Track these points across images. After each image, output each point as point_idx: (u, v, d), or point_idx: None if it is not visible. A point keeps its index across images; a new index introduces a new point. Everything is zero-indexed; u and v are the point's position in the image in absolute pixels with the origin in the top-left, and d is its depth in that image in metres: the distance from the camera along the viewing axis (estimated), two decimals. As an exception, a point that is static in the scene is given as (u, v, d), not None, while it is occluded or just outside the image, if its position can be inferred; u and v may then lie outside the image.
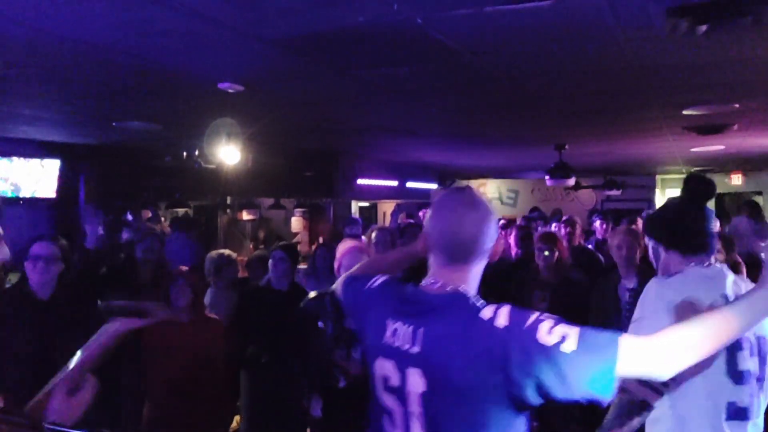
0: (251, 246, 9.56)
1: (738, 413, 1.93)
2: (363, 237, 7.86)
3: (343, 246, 3.29)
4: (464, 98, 4.68)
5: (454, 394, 1.43)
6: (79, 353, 1.82)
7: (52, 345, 2.90)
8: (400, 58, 3.43)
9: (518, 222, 7.27)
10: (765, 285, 1.43)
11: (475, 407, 1.42)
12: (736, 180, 12.85)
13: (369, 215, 12.46)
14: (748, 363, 1.95)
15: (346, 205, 10.33)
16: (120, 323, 1.93)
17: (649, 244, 2.20)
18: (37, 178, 6.34)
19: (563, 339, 1.33)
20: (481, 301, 1.50)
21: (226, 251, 5.00)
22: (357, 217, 10.01)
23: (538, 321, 1.38)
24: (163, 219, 8.69)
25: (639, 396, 1.88)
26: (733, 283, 2.00)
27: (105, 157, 6.83)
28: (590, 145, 7.68)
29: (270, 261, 4.09)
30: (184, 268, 3.70)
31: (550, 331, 1.35)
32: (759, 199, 10.79)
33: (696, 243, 2.05)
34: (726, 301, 1.90)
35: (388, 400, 1.55)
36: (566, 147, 7.46)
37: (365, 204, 12.19)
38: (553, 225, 7.16)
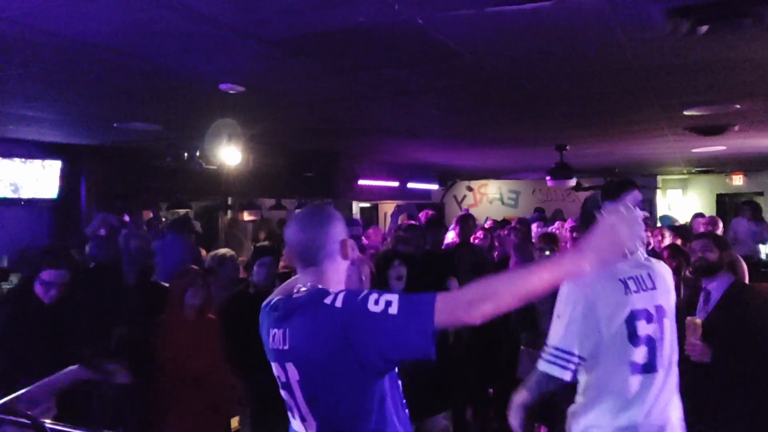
0: (252, 247, 9.56)
1: (642, 368, 2.33)
2: (364, 238, 7.89)
3: None
4: (465, 99, 4.68)
5: (319, 375, 1.66)
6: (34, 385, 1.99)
7: (56, 348, 2.92)
8: (400, 59, 3.43)
9: (513, 224, 7.27)
10: (565, 255, 1.69)
11: (336, 380, 1.64)
12: (737, 180, 12.85)
13: (370, 216, 12.46)
14: (647, 329, 2.34)
15: (347, 205, 10.33)
16: (81, 371, 2.19)
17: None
18: (38, 178, 6.34)
19: (388, 305, 1.56)
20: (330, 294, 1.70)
21: (224, 250, 5.01)
22: (357, 218, 10.02)
23: (367, 296, 1.60)
24: (164, 220, 8.69)
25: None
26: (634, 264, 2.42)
27: (106, 157, 6.83)
28: (591, 146, 7.68)
29: (256, 266, 4.11)
30: (196, 268, 3.73)
31: (377, 302, 1.58)
32: (760, 200, 10.78)
33: None
34: (625, 286, 2.34)
35: (284, 395, 1.79)
36: (567, 147, 7.46)
37: (366, 205, 12.19)
38: (554, 226, 7.19)
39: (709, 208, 12.42)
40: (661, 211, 12.38)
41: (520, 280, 1.53)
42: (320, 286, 1.74)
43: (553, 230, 6.48)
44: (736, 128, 6.13)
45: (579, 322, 2.34)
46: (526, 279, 1.52)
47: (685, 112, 5.25)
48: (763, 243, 8.49)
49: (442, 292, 1.55)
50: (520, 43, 3.13)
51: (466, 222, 6.48)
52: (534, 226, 7.16)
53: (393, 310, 1.55)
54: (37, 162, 6.32)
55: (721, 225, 6.76)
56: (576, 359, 2.34)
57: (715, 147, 7.97)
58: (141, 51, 3.13)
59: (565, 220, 9.16)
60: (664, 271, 2.58)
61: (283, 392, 1.80)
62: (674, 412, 2.44)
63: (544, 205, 12.50)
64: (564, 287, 2.42)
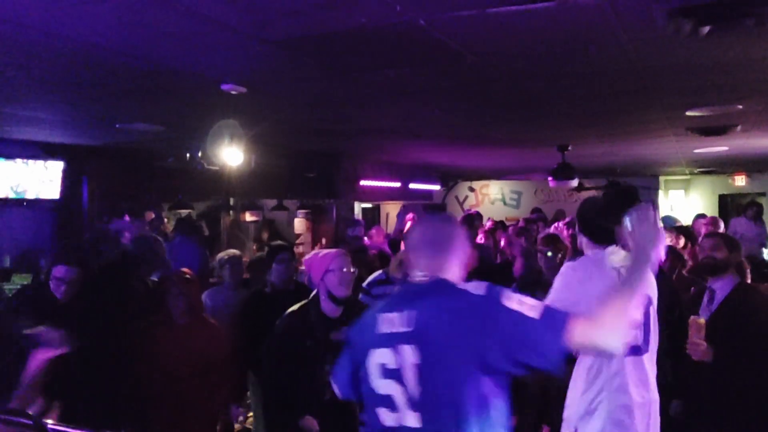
0: (254, 247, 9.56)
1: (633, 350, 2.48)
2: (365, 238, 7.89)
3: (325, 252, 3.27)
4: (467, 99, 4.68)
5: (442, 359, 1.66)
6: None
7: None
8: (402, 60, 3.43)
9: (520, 224, 7.25)
10: (632, 261, 1.82)
11: (458, 368, 1.64)
12: (740, 181, 12.82)
13: (372, 216, 12.46)
14: (636, 314, 2.40)
15: (349, 206, 10.32)
16: (34, 353, 2.17)
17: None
18: (40, 179, 6.35)
19: (530, 308, 1.61)
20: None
21: (233, 251, 5.04)
22: (359, 218, 10.02)
23: (509, 293, 1.66)
24: (166, 220, 8.70)
25: None
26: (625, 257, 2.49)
27: (108, 158, 6.84)
28: (593, 146, 7.67)
29: (275, 264, 4.10)
30: (186, 270, 3.73)
31: (520, 301, 1.63)
32: (762, 200, 10.76)
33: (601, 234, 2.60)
34: (618, 273, 2.45)
35: (386, 386, 1.75)
36: (569, 148, 7.45)
37: (368, 205, 12.19)
38: (554, 226, 7.17)
39: (711, 209, 12.40)
40: (663, 211, 12.36)
41: (632, 288, 1.66)
42: (441, 276, 1.81)
43: (554, 231, 6.47)
44: (739, 129, 6.12)
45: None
46: (624, 293, 1.64)
47: (688, 113, 5.24)
48: (764, 244, 8.48)
49: (574, 313, 1.60)
50: (522, 43, 3.13)
51: (472, 222, 6.46)
52: (535, 227, 7.14)
53: (534, 314, 1.59)
54: (40, 163, 6.33)
55: (722, 226, 6.75)
56: None
57: (718, 147, 7.95)
58: (143, 52, 3.13)
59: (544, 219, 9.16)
60: None
61: (382, 384, 1.76)
62: (656, 390, 2.61)
63: (546, 206, 12.49)
64: (561, 271, 2.63)
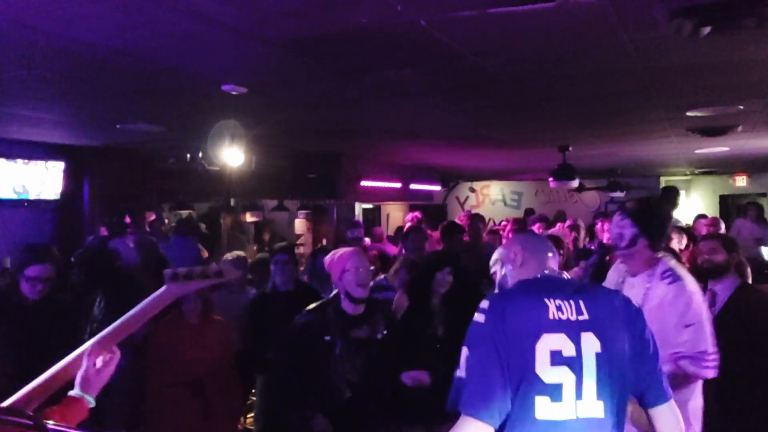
0: (255, 248, 9.56)
1: None
2: (366, 239, 7.88)
3: (342, 251, 3.26)
4: (468, 100, 4.68)
5: (618, 350, 1.73)
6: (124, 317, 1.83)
7: (40, 345, 2.93)
8: (403, 60, 3.43)
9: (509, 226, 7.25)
10: None
11: (626, 359, 1.73)
12: (741, 182, 12.82)
13: (373, 217, 12.45)
14: None
15: (350, 207, 10.32)
16: (176, 287, 1.85)
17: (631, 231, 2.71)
18: (41, 180, 6.35)
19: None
20: None
21: (238, 252, 5.04)
22: (359, 219, 10.01)
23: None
24: (166, 221, 8.70)
25: None
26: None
27: (109, 159, 6.84)
28: (594, 147, 7.66)
29: (272, 265, 4.11)
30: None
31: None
32: (763, 201, 10.75)
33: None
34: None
35: (557, 375, 1.68)
36: (570, 148, 7.45)
37: (369, 206, 12.18)
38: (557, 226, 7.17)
39: (712, 209, 12.39)
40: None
41: None
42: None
43: (555, 232, 6.47)
44: (739, 129, 6.11)
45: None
46: None
47: (688, 113, 5.23)
48: (766, 245, 8.47)
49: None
50: (523, 44, 3.13)
51: (476, 223, 6.42)
52: (535, 228, 7.13)
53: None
54: (40, 163, 6.33)
55: (723, 226, 6.74)
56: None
57: (718, 148, 7.95)
58: (143, 52, 3.13)
59: (565, 218, 9.15)
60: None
61: (552, 372, 1.68)
62: None
63: (546, 207, 12.49)
64: (682, 295, 2.57)
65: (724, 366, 3.06)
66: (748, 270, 3.79)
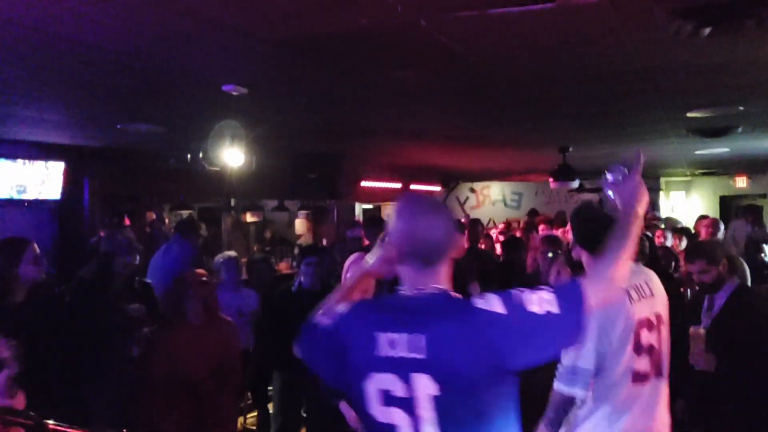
0: (255, 248, 9.57)
1: (643, 377, 2.34)
2: (366, 239, 7.88)
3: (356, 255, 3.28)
4: (468, 101, 4.68)
5: (466, 390, 1.47)
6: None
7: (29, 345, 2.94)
8: (403, 61, 3.43)
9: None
10: (620, 218, 1.74)
11: (484, 397, 1.49)
12: (741, 183, 12.82)
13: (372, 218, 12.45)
14: (649, 337, 2.37)
15: (350, 207, 10.33)
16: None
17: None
18: (41, 180, 6.35)
19: (548, 303, 1.49)
20: (459, 296, 1.59)
21: (229, 253, 5.06)
22: (359, 220, 10.02)
23: (521, 297, 1.51)
24: (167, 221, 8.71)
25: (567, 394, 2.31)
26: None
27: (109, 159, 6.84)
28: (594, 148, 7.66)
29: (303, 266, 4.22)
30: (202, 271, 3.74)
31: (538, 302, 1.49)
32: (763, 202, 10.74)
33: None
34: (628, 293, 2.34)
35: (390, 415, 1.52)
36: (570, 149, 7.45)
37: (368, 206, 12.19)
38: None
39: (712, 210, 12.39)
40: (664, 213, 12.34)
41: (627, 241, 1.64)
42: (442, 288, 1.57)
43: (555, 232, 6.48)
44: (740, 130, 6.12)
45: (594, 338, 2.27)
46: (629, 237, 1.64)
47: (689, 114, 5.24)
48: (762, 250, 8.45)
49: (580, 278, 1.57)
50: (523, 44, 3.13)
51: (475, 227, 6.58)
52: (540, 228, 7.17)
53: (555, 308, 1.48)
54: (41, 163, 6.33)
55: (722, 227, 6.74)
56: (591, 375, 2.31)
57: (719, 149, 7.95)
58: (144, 52, 3.13)
59: (566, 222, 9.15)
60: (655, 278, 2.58)
61: (384, 412, 1.53)
62: (666, 416, 2.46)
63: (546, 207, 12.49)
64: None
65: (724, 368, 3.07)
66: (745, 267, 3.79)
